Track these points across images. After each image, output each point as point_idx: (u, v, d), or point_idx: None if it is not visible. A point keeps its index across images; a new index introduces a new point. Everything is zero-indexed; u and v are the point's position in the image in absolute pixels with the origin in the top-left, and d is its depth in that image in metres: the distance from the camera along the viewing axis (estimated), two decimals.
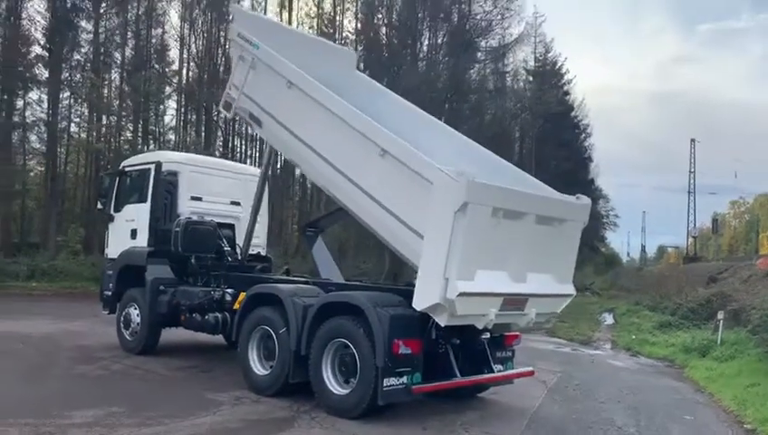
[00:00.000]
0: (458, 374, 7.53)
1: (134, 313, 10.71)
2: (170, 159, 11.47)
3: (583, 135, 56.63)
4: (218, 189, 11.32)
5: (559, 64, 52.56)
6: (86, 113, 34.23)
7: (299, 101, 8.47)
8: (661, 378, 11.96)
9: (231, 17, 10.90)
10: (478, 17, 35.93)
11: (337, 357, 7.52)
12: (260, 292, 8.57)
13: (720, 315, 13.97)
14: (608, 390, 10.28)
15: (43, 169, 33.67)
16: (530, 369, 8.77)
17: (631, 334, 17.07)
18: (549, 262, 7.75)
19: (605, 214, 68.18)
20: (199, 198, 11.04)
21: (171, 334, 10.99)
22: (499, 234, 6.96)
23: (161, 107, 37.51)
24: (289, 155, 9.13)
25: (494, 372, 8.05)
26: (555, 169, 47.06)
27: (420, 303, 6.79)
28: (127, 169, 11.67)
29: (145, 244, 10.77)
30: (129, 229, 11.14)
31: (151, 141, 36.57)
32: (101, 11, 33.05)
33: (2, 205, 31.45)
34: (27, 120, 32.09)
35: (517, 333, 8.49)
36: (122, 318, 10.94)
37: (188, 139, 37.01)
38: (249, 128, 26.04)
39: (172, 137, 37.41)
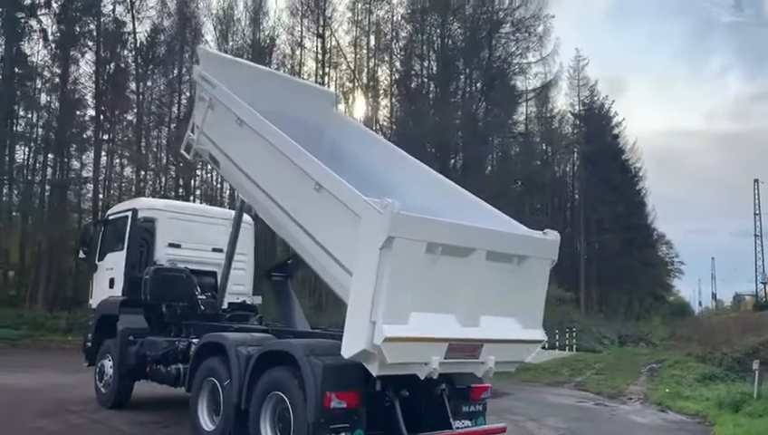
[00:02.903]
0: (404, 432, 6.70)
1: (108, 364, 10.34)
2: (147, 205, 11.30)
3: (636, 178, 54.36)
4: (199, 236, 11.01)
5: (606, 107, 51.22)
6: (133, 172, 35.46)
7: (248, 139, 8.10)
8: None
9: (196, 59, 10.77)
10: (500, 59, 35.42)
11: (276, 412, 6.87)
12: (208, 341, 8.04)
13: (755, 365, 12.50)
14: None
15: None
16: (502, 425, 7.75)
17: (666, 388, 15.57)
18: (509, 304, 6.88)
19: (669, 261, 64.83)
20: (178, 245, 10.75)
21: (155, 388, 10.45)
22: (439, 272, 6.22)
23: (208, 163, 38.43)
24: (243, 195, 8.77)
25: (451, 428, 7.16)
26: (607, 213, 45.26)
27: (348, 350, 6.06)
28: (110, 217, 11.56)
29: (120, 293, 10.50)
30: (108, 278, 10.93)
31: (198, 197, 37.43)
32: (147, 72, 34.51)
33: (54, 262, 32.57)
34: (81, 179, 33.42)
35: (487, 385, 7.61)
36: (98, 370, 10.61)
37: (228, 192, 37.61)
38: None
39: (212, 192, 38.07)
